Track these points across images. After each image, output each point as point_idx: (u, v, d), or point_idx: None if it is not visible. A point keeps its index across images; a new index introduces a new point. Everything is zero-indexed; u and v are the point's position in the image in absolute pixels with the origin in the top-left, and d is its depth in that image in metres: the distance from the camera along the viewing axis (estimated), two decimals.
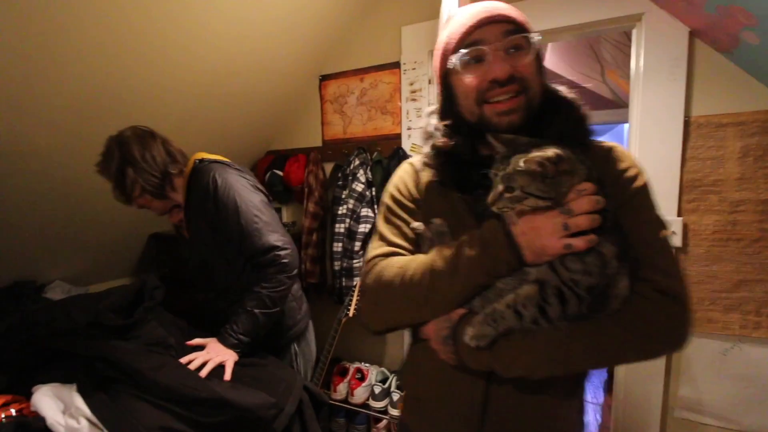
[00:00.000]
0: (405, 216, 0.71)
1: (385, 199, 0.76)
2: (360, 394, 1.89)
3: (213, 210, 1.13)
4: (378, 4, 2.04)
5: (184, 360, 0.95)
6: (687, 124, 1.45)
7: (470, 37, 0.62)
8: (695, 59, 1.42)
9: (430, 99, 1.94)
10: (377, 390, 1.88)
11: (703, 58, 1.41)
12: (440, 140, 0.69)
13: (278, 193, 2.24)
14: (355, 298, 1.77)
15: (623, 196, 0.60)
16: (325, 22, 1.89)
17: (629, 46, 1.88)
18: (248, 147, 2.35)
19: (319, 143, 2.16)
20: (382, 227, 0.73)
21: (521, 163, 0.48)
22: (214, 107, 1.85)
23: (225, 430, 0.87)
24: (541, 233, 0.51)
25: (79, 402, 0.82)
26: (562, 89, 0.68)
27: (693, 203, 1.47)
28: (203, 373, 0.93)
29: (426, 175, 0.72)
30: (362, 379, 1.94)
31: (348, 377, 1.96)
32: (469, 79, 0.63)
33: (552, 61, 2.80)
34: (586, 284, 0.49)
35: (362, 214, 1.91)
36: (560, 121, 0.63)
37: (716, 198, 1.44)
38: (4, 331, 0.93)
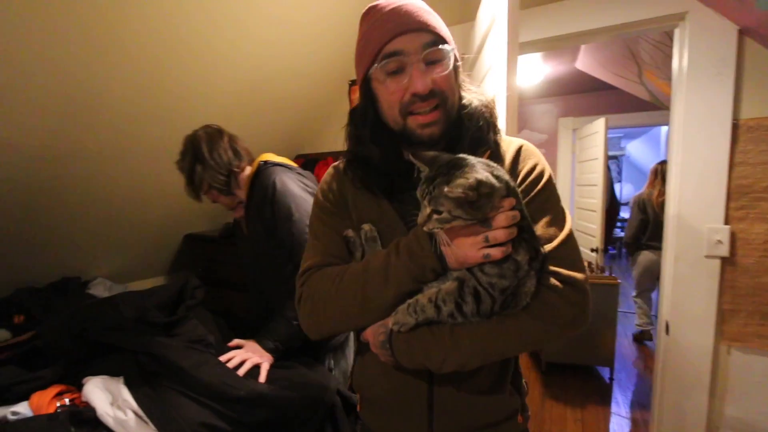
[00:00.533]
0: (334, 223, 0.73)
1: (313, 206, 0.78)
2: None
3: (269, 214, 1.15)
4: None
5: (223, 358, 0.98)
6: (735, 127, 1.38)
7: (391, 45, 0.63)
8: (745, 59, 1.35)
9: None
10: None
11: (753, 58, 1.34)
12: (364, 149, 0.71)
13: None
14: None
15: (530, 192, 0.65)
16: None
17: (670, 46, 1.81)
18: (278, 151, 2.38)
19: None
20: (313, 237, 0.75)
21: (446, 191, 0.51)
22: (246, 112, 1.90)
23: (261, 428, 0.89)
24: (463, 245, 0.56)
25: (126, 394, 0.86)
26: (472, 96, 0.71)
27: (742, 211, 1.39)
28: (241, 371, 0.95)
29: (348, 180, 0.74)
30: None
31: None
32: (392, 90, 0.65)
33: (585, 61, 2.73)
34: (501, 286, 0.55)
35: None
36: (472, 130, 0.67)
37: (767, 205, 1.36)
38: (59, 324, 0.99)
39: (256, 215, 1.21)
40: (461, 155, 0.58)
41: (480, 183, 0.51)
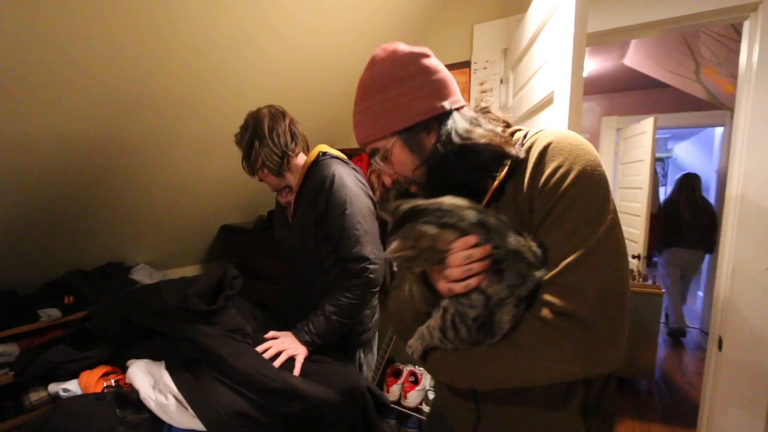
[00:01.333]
0: None
1: None
2: (413, 398, 1.86)
3: (323, 204, 1.16)
4: (450, 2, 2.00)
5: (259, 348, 0.99)
6: None
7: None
8: None
9: (501, 100, 1.86)
10: (431, 396, 1.84)
11: None
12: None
13: None
14: None
15: (548, 201, 0.56)
16: (395, 22, 1.89)
17: (736, 40, 1.67)
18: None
19: None
20: None
21: (385, 254, 0.58)
22: (285, 107, 1.92)
23: (293, 421, 0.89)
24: (435, 279, 0.60)
25: (168, 379, 0.88)
26: (460, 133, 0.64)
27: None
28: (277, 363, 0.96)
29: None
30: (416, 382, 1.91)
31: (401, 379, 1.94)
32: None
33: (635, 57, 2.58)
34: (472, 316, 0.57)
35: None
36: (460, 173, 0.65)
37: None
38: (106, 307, 1.03)
39: (309, 204, 1.20)
40: (419, 201, 0.60)
41: (416, 240, 0.56)
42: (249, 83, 1.65)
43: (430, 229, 0.56)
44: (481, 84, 1.91)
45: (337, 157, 1.25)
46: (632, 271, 2.80)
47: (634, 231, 3.11)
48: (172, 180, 1.88)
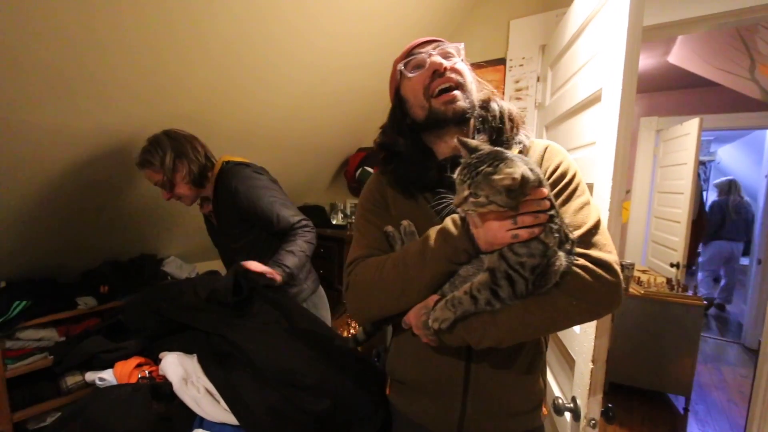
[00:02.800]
0: (377, 221, 0.81)
1: (358, 207, 0.88)
2: None
3: (243, 203, 1.33)
4: None
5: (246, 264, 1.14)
6: None
7: (412, 52, 0.80)
8: None
9: (537, 98, 1.79)
10: None
11: None
12: (387, 138, 0.83)
13: None
14: None
15: (557, 185, 0.71)
16: (430, 18, 1.85)
17: None
18: (340, 143, 2.41)
19: None
20: (358, 233, 0.84)
21: (495, 178, 0.57)
22: (313, 105, 1.92)
23: (323, 421, 0.87)
24: (493, 227, 0.61)
25: (200, 372, 0.89)
26: (495, 98, 0.81)
27: None
28: (257, 268, 1.16)
29: (386, 182, 0.83)
30: None
31: None
32: (416, 79, 0.77)
33: (681, 54, 2.43)
34: (531, 265, 0.59)
35: None
36: (495, 124, 0.77)
37: None
38: (140, 300, 1.05)
39: (229, 207, 1.38)
40: (500, 149, 0.63)
41: (524, 179, 0.57)
42: (283, 78, 1.65)
43: (527, 171, 0.58)
44: (517, 82, 1.84)
45: (238, 163, 1.42)
46: (671, 280, 2.65)
47: (673, 238, 2.96)
48: None
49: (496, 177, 0.56)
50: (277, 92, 1.70)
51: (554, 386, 1.24)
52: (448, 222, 0.68)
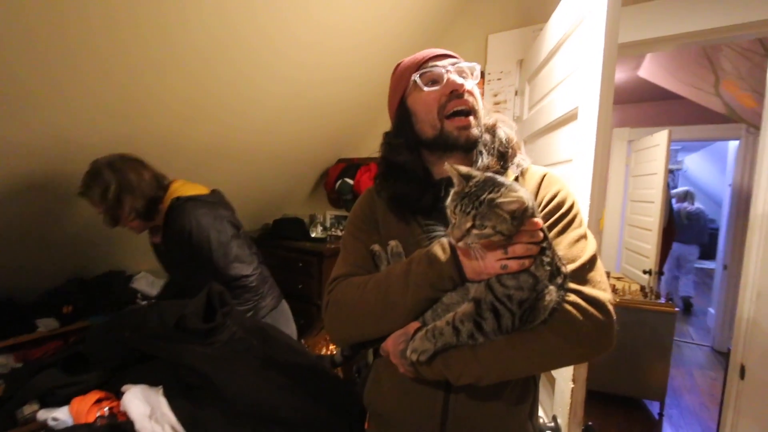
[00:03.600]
0: (364, 238, 0.78)
1: (347, 223, 0.85)
2: None
3: (188, 245, 1.25)
4: (464, 12, 1.96)
5: None
6: None
7: (426, 63, 0.75)
8: None
9: (516, 112, 1.81)
10: None
11: None
12: (395, 153, 0.77)
13: (348, 201, 2.23)
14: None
15: (553, 215, 0.68)
16: (409, 31, 1.85)
17: (762, 55, 1.61)
18: (320, 154, 2.37)
19: None
20: (344, 250, 0.81)
21: (501, 201, 0.54)
22: (291, 117, 1.87)
23: None
24: (479, 260, 0.59)
25: (165, 408, 0.83)
26: (501, 125, 0.77)
27: None
28: None
29: (379, 199, 0.80)
30: None
31: None
32: (431, 95, 0.73)
33: (650, 69, 2.52)
34: (518, 298, 0.57)
35: None
36: (497, 147, 0.74)
37: None
38: (100, 330, 0.98)
39: (177, 246, 1.29)
40: (493, 175, 0.61)
41: (526, 206, 0.55)
42: (261, 91, 1.61)
43: (529, 197, 0.56)
44: (495, 95, 1.86)
45: (191, 198, 1.31)
46: (644, 287, 2.72)
47: (646, 245, 3.04)
48: None
49: (503, 200, 0.54)
50: (254, 104, 1.66)
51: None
52: (436, 246, 0.65)
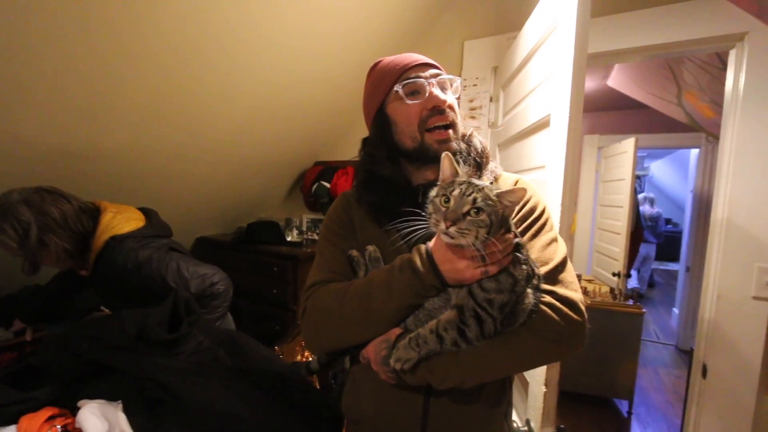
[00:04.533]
0: (341, 243, 0.78)
1: (322, 228, 0.84)
2: None
3: (131, 281, 1.17)
4: (441, 19, 1.97)
5: None
6: None
7: (408, 72, 0.74)
8: None
9: (491, 118, 1.84)
10: None
11: None
12: (379, 166, 0.77)
13: (324, 204, 2.21)
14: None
15: (525, 220, 0.72)
16: (386, 35, 1.84)
17: (719, 68, 1.70)
18: (297, 157, 2.33)
19: None
20: (320, 255, 0.80)
21: (505, 195, 0.56)
22: (266, 117, 1.84)
23: None
24: (461, 265, 0.59)
25: (125, 424, 0.78)
26: (475, 134, 0.80)
27: None
28: None
29: (359, 205, 0.80)
30: None
31: None
32: (412, 107, 0.73)
33: (618, 79, 2.62)
34: (499, 302, 0.58)
35: None
36: (473, 156, 0.76)
37: None
38: (56, 341, 0.92)
39: (118, 284, 1.21)
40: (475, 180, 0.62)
41: (496, 206, 0.56)
42: (235, 90, 1.56)
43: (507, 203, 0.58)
44: (471, 101, 1.88)
45: (129, 236, 1.19)
46: (613, 289, 2.81)
47: (614, 248, 3.15)
48: (146, 190, 1.76)
49: (505, 191, 0.56)
50: (228, 103, 1.61)
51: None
52: (415, 254, 0.65)
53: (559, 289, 0.64)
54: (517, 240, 0.60)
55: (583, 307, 0.64)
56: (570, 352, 0.64)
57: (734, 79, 1.39)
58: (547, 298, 0.62)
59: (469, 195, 0.57)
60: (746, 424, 1.37)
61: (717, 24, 1.37)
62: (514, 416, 1.17)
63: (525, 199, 0.73)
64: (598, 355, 2.59)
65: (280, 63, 1.57)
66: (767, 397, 1.34)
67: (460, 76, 1.90)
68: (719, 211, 1.43)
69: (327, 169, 2.23)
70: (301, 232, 2.33)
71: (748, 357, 1.36)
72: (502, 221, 0.57)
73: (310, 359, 1.22)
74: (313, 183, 2.23)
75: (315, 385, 0.99)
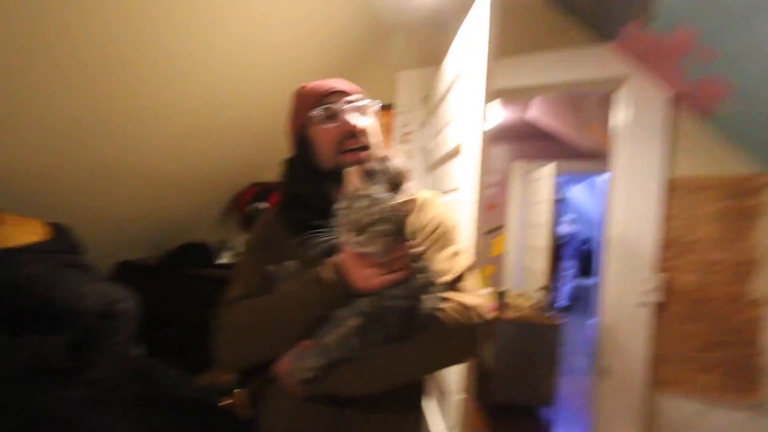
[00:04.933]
0: (258, 261, 0.80)
1: (245, 245, 0.87)
2: None
3: (23, 302, 1.01)
4: (375, 49, 2.10)
5: None
6: (668, 184, 1.50)
7: (327, 99, 0.80)
8: (676, 123, 1.49)
9: (423, 142, 1.97)
10: None
11: (684, 123, 1.48)
12: (298, 185, 0.82)
13: None
14: None
15: (431, 234, 0.79)
16: (323, 60, 1.92)
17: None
18: (231, 177, 2.29)
19: None
20: (238, 272, 0.83)
21: (401, 206, 0.61)
22: (200, 135, 1.80)
23: None
24: (366, 273, 0.63)
25: None
26: (393, 157, 0.85)
27: (672, 261, 1.50)
28: None
29: (279, 222, 0.83)
30: None
31: None
32: (329, 131, 0.79)
33: (535, 113, 2.91)
34: (400, 307, 0.62)
35: None
36: (390, 176, 0.80)
37: (694, 257, 1.46)
38: None
39: None
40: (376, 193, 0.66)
41: (400, 217, 0.61)
42: (163, 104, 1.52)
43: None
44: (405, 126, 2.00)
45: (18, 250, 1.10)
46: (538, 302, 3.04)
47: (539, 265, 3.42)
48: (66, 210, 1.60)
49: (401, 202, 0.61)
50: (156, 117, 1.55)
51: (428, 419, 1.29)
52: (325, 266, 0.68)
53: (458, 297, 0.70)
54: (416, 249, 0.66)
55: (481, 313, 0.70)
56: (468, 355, 0.71)
57: (621, 116, 1.63)
58: (449, 305, 0.67)
59: (371, 207, 0.61)
60: (643, 421, 1.53)
61: (605, 67, 1.61)
62: (434, 425, 1.22)
63: (431, 215, 0.81)
64: (524, 366, 2.75)
65: (212, 83, 1.57)
66: (656, 390, 1.52)
67: (393, 103, 2.02)
68: (613, 229, 1.64)
69: (263, 191, 2.21)
70: (237, 254, 2.26)
71: (638, 359, 1.54)
72: (400, 231, 0.62)
73: (227, 380, 1.18)
74: (250, 204, 2.20)
75: (231, 406, 0.96)
